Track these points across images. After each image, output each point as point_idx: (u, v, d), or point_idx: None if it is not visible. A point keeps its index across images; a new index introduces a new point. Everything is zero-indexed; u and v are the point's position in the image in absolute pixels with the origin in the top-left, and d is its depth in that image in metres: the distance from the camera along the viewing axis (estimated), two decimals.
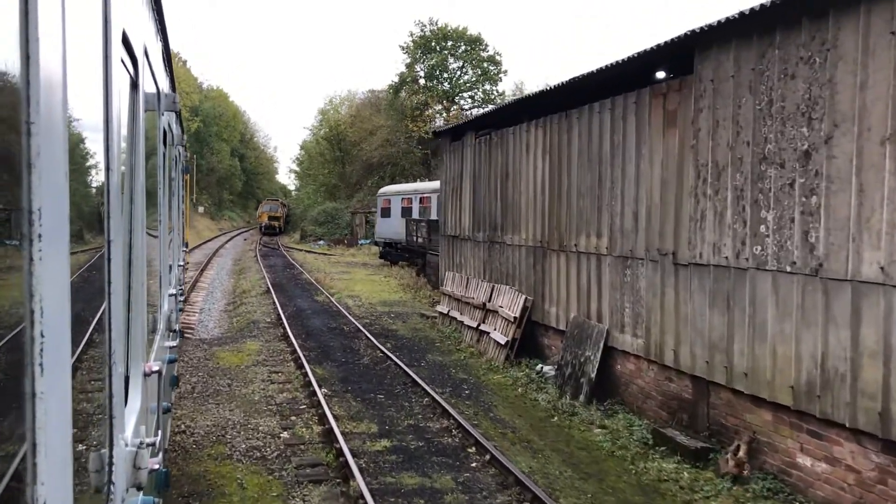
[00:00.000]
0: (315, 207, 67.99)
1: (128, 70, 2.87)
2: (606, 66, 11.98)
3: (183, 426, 11.57)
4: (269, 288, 28.58)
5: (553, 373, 13.77)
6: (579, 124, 13.41)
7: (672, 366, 10.76)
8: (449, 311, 19.26)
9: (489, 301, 16.94)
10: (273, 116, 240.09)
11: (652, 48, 10.70)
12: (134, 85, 3.14)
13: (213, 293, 29.01)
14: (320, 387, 13.49)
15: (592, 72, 12.42)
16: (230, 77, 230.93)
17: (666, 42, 10.39)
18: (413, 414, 12.28)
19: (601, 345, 12.39)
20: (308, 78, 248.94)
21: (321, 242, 57.74)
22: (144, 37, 3.52)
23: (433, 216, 34.47)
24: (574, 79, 13.10)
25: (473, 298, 17.78)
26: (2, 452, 1.16)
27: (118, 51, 2.39)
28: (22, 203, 1.18)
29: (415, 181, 50.13)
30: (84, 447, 1.86)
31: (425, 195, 36.30)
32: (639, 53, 11.08)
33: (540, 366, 14.36)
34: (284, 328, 19.58)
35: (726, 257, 9.54)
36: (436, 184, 37.48)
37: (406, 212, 38.01)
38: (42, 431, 1.22)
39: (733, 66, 9.45)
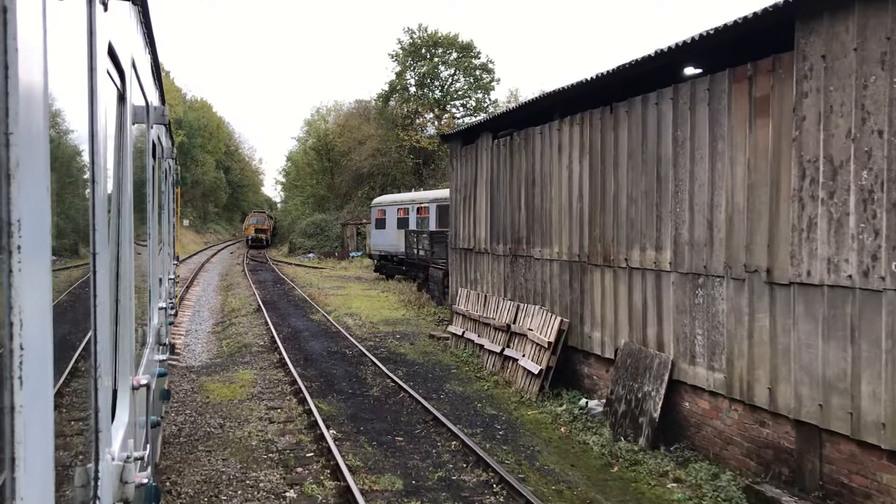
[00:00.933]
0: (303, 219, 65.79)
1: (114, 82, 2.86)
2: (666, 48, 10.04)
3: (168, 483, 9.46)
4: (259, 306, 26.46)
5: (601, 409, 11.75)
6: (629, 119, 11.44)
7: (766, 407, 8.76)
8: (464, 332, 17.23)
9: (514, 322, 14.92)
10: (258, 128, 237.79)
11: (735, 22, 8.76)
12: (121, 97, 3.13)
13: (199, 312, 26.83)
14: (328, 427, 11.41)
15: (649, 56, 10.48)
16: (214, 88, 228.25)
17: (755, 14, 8.45)
18: (442, 463, 10.21)
19: (665, 378, 10.38)
20: (293, 89, 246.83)
21: (311, 255, 55.55)
22: (132, 49, 3.50)
23: (432, 227, 32.52)
24: (623, 66, 11.16)
25: (494, 319, 15.76)
26: None
27: (104, 62, 2.39)
28: (0, 214, 1.17)
29: (408, 191, 48.15)
30: (69, 461, 1.82)
31: (423, 205, 34.29)
32: (715, 30, 9.14)
33: (584, 400, 12.32)
34: (280, 353, 17.47)
35: (849, 276, 7.58)
36: (434, 193, 35.50)
37: (402, 223, 36.00)
38: (21, 446, 1.21)
39: (856, 36, 7.51)
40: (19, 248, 1.20)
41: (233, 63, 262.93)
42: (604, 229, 12.13)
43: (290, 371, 15.28)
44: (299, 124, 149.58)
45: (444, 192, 34.63)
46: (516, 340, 14.74)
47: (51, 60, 1.45)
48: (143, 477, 2.81)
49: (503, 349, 14.94)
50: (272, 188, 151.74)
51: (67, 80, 1.79)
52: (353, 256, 51.80)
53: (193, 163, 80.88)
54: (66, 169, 1.88)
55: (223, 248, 73.35)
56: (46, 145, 1.43)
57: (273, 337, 19.96)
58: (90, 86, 2.11)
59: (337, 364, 16.67)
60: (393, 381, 14.55)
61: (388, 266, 37.34)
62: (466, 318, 17.38)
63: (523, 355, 13.97)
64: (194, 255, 58.96)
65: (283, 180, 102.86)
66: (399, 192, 51.61)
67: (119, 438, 2.74)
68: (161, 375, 6.03)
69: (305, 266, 48.99)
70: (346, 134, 66.59)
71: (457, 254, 18.99)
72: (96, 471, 2.12)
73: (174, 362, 17.25)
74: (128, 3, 3.30)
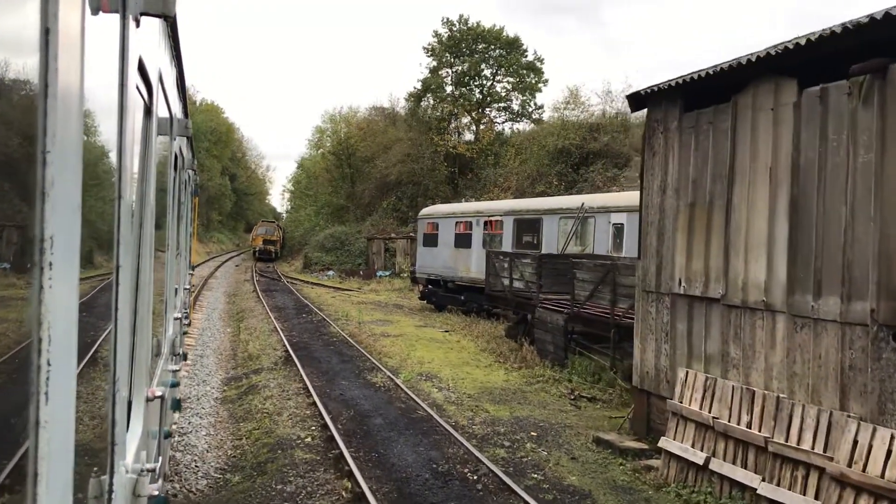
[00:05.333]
0: (319, 231, 57.23)
1: (142, 96, 2.83)
2: None
3: None
4: (288, 352, 18.02)
5: None
6: None
7: None
8: (708, 458, 8.79)
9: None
10: (265, 135, 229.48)
11: None
12: (147, 111, 3.09)
13: (203, 358, 18.33)
14: None
15: None
16: (222, 93, 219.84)
17: None
18: None
19: None
20: (301, 96, 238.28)
21: (330, 273, 46.98)
22: (159, 63, 3.44)
23: (507, 247, 24.15)
24: None
25: (810, 452, 7.40)
26: (2, 480, 1.12)
27: (134, 78, 2.37)
28: (34, 231, 1.17)
29: (445, 202, 39.83)
30: (84, 474, 1.79)
31: (495, 218, 25.89)
32: None
33: None
34: (351, 473, 9.19)
35: None
36: (510, 203, 27.05)
37: (462, 240, 27.58)
38: (44, 461, 1.19)
39: None
40: (51, 264, 1.19)
41: (240, 68, 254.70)
42: None
43: None
44: (309, 132, 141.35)
45: (522, 203, 26.20)
46: None
47: (86, 78, 1.44)
48: (154, 489, 2.71)
49: None
50: (279, 197, 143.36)
51: (100, 97, 1.77)
52: (380, 276, 43.32)
53: (198, 167, 72.64)
54: (94, 183, 1.82)
55: (227, 260, 64.81)
56: (79, 163, 1.42)
57: (325, 424, 11.62)
58: (120, 101, 2.10)
59: None
60: None
61: (438, 294, 28.88)
62: (706, 427, 8.95)
63: None
64: (196, 266, 50.33)
65: (293, 188, 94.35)
66: (434, 202, 43.27)
67: (133, 450, 2.66)
68: (174, 385, 5.55)
69: (326, 286, 40.47)
70: (368, 138, 58.27)
71: (660, 302, 10.54)
72: (111, 483, 2.06)
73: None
74: (159, 19, 2.98)
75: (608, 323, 14.59)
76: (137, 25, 2.30)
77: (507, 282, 19.14)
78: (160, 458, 4.14)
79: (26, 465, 1.16)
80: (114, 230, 2.09)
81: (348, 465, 9.72)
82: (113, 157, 2.07)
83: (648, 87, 10.60)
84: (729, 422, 8.61)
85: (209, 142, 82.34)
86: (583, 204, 20.69)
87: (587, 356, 15.77)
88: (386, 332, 22.17)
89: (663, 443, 9.50)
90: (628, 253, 19.26)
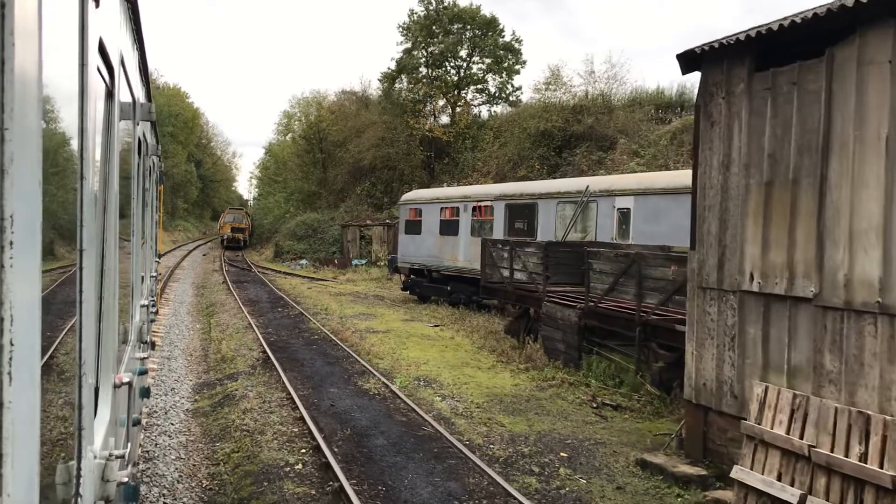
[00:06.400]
0: (290, 219, 54.86)
1: (104, 78, 2.78)
2: None
3: None
4: (266, 354, 16.04)
5: None
6: None
7: None
8: (804, 497, 7.04)
9: None
10: (230, 122, 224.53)
11: None
12: (109, 94, 3.03)
13: (172, 360, 16.24)
14: None
15: None
16: (186, 77, 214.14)
17: None
18: None
19: None
20: (267, 81, 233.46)
21: (303, 262, 44.77)
22: (121, 45, 3.36)
23: (498, 234, 22.36)
24: None
25: None
26: None
27: (94, 59, 2.31)
28: None
29: (430, 188, 37.97)
30: (52, 458, 1.76)
31: (484, 203, 24.03)
32: None
33: None
34: None
35: None
36: (502, 186, 25.17)
37: (448, 226, 25.71)
38: (9, 442, 1.18)
39: None
40: (11, 243, 1.18)
41: (204, 52, 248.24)
42: None
43: None
44: (276, 118, 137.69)
45: (515, 187, 24.38)
46: None
47: (45, 56, 1.41)
48: (124, 475, 2.68)
49: None
50: (246, 184, 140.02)
51: (59, 76, 1.74)
52: (356, 265, 41.27)
53: (163, 154, 69.62)
54: (54, 165, 1.78)
55: (194, 249, 62.14)
56: (39, 141, 1.39)
57: (318, 446, 9.76)
58: (80, 82, 2.05)
59: None
60: None
61: (422, 284, 27.00)
62: (796, 458, 7.23)
63: None
64: (162, 255, 47.75)
65: (260, 174, 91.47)
66: (411, 188, 41.33)
67: (101, 436, 2.65)
68: (142, 373, 5.47)
69: (300, 276, 38.31)
70: (340, 122, 55.95)
71: (722, 301, 8.76)
72: (78, 468, 2.06)
73: None
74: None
75: (631, 320, 12.85)
76: (97, 5, 2.26)
77: (506, 273, 17.30)
78: (129, 445, 4.15)
79: None
80: (76, 213, 2.07)
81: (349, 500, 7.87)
82: (74, 140, 2.02)
83: (705, 44, 8.77)
84: (833, 452, 6.88)
85: (174, 127, 79.34)
86: (587, 187, 18.89)
87: (605, 356, 14.03)
88: (371, 328, 20.24)
89: (738, 473, 7.75)
90: (635, 241, 17.56)
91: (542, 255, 15.70)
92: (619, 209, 18.53)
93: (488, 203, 23.69)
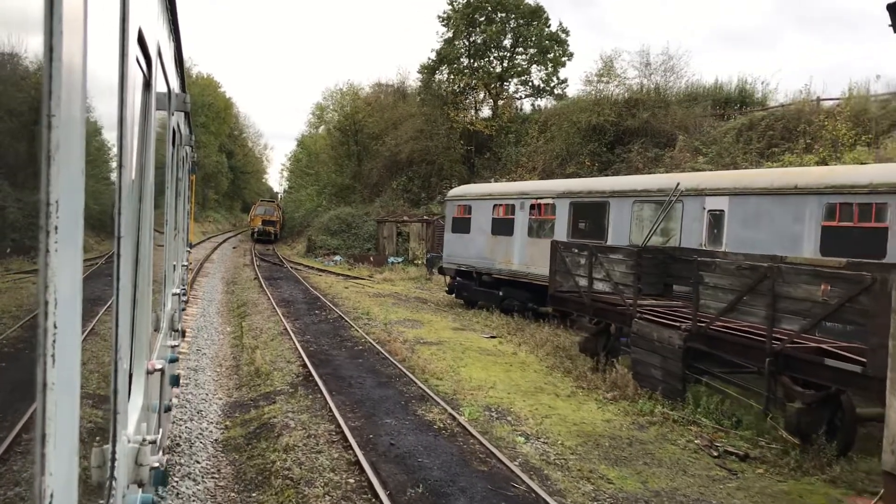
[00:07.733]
0: (323, 213, 52.76)
1: (142, 69, 2.75)
2: None
3: None
4: (307, 368, 13.81)
5: None
6: None
7: None
8: None
9: None
10: (262, 113, 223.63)
11: None
12: (147, 84, 3.00)
13: (198, 378, 14.03)
14: None
15: None
16: (219, 66, 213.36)
17: None
18: None
19: None
20: (300, 73, 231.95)
21: (337, 258, 42.62)
22: (158, 36, 3.32)
23: (560, 236, 19.95)
24: None
25: None
26: (10, 442, 1.10)
27: (134, 49, 2.29)
28: (40, 195, 1.14)
29: (462, 183, 35.57)
30: (89, 441, 1.75)
31: (544, 201, 21.60)
32: None
33: None
34: None
35: None
36: (565, 183, 22.70)
37: (502, 225, 23.33)
38: (51, 422, 1.17)
39: None
40: (56, 228, 1.16)
41: (237, 43, 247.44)
42: None
43: None
44: (308, 110, 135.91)
45: (582, 183, 21.92)
46: None
47: (89, 45, 1.39)
48: (155, 461, 2.70)
49: None
50: (276, 177, 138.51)
51: (102, 65, 1.73)
52: (392, 262, 39.04)
53: (195, 144, 67.99)
54: (96, 154, 1.78)
55: (224, 241, 60.34)
56: (83, 129, 1.39)
57: None
58: (121, 71, 2.04)
59: None
60: None
61: (469, 287, 24.66)
62: None
63: None
64: (193, 246, 45.86)
65: (292, 167, 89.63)
66: (451, 184, 39.02)
67: (134, 421, 2.65)
68: (172, 361, 5.40)
69: (335, 273, 36.15)
70: (376, 114, 53.75)
71: None
72: (113, 452, 2.05)
73: None
74: None
75: (755, 347, 10.42)
76: None
77: (583, 282, 14.89)
78: (160, 431, 4.07)
79: (34, 427, 1.13)
80: (115, 201, 2.05)
81: None
82: (114, 129, 2.01)
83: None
84: None
85: (206, 117, 77.82)
86: (678, 184, 16.40)
87: (716, 388, 11.60)
88: (421, 338, 17.94)
89: None
90: (730, 248, 15.09)
91: (633, 263, 13.27)
92: (709, 211, 16.05)
93: (549, 201, 21.26)
